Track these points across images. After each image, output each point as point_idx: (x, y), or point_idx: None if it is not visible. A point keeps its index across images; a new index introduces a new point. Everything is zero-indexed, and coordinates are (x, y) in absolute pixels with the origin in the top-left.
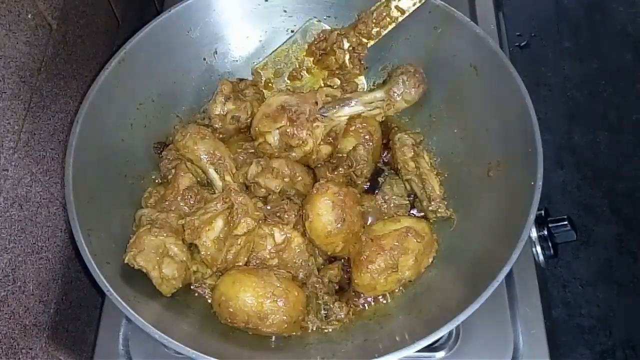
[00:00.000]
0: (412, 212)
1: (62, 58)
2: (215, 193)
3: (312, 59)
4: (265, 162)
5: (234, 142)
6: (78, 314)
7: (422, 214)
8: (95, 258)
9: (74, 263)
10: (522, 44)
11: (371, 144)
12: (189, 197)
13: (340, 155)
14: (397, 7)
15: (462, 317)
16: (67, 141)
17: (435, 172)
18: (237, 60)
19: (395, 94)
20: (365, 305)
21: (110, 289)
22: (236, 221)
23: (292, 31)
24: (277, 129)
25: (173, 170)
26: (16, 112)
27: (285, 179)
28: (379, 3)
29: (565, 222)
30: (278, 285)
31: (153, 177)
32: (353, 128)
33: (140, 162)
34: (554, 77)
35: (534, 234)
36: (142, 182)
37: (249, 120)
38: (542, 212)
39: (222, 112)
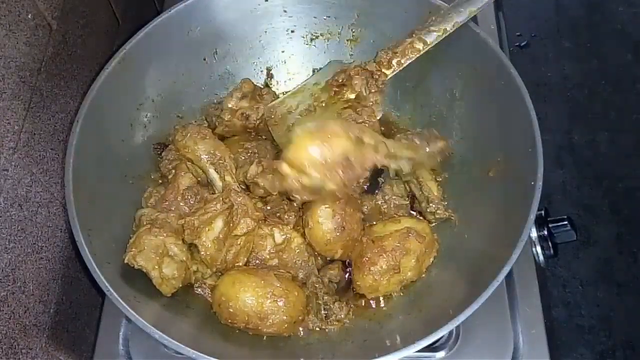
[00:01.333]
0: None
1: (62, 58)
2: (215, 193)
3: (327, 93)
4: (266, 163)
5: (234, 141)
6: (78, 314)
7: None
8: (95, 258)
9: (74, 263)
10: (522, 44)
11: None
12: (189, 197)
13: None
14: (420, 39)
15: (462, 317)
16: (67, 141)
17: (432, 174)
18: (237, 61)
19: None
20: (366, 305)
21: (110, 289)
22: (236, 221)
23: (292, 31)
24: (320, 177)
25: (173, 171)
26: (16, 112)
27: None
28: (405, 42)
29: (565, 222)
30: (278, 285)
31: (153, 177)
32: None
33: (140, 162)
34: (554, 77)
35: (534, 234)
36: (142, 182)
37: (257, 122)
38: (542, 212)
39: (234, 107)
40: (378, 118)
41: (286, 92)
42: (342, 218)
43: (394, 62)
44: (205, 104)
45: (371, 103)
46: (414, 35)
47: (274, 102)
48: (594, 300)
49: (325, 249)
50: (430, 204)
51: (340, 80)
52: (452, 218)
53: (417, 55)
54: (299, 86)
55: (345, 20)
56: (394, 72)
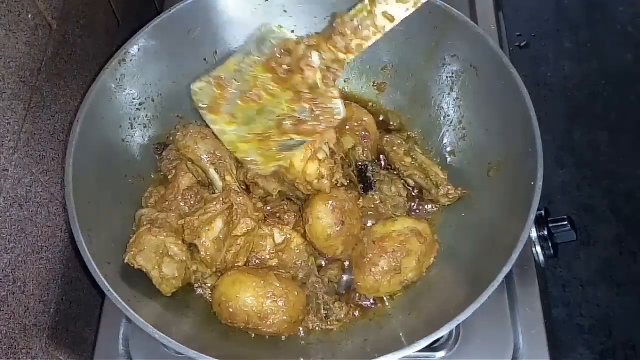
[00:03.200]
0: (413, 212)
1: (62, 58)
2: (215, 193)
3: (271, 76)
4: None
5: None
6: (78, 314)
7: (427, 210)
8: (95, 258)
9: (74, 263)
10: (522, 44)
11: (368, 141)
12: (189, 197)
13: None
14: (384, 14)
15: (462, 317)
16: (67, 141)
17: (432, 159)
18: None
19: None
20: (366, 305)
21: (111, 289)
22: (236, 222)
23: (292, 31)
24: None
25: (174, 171)
26: (16, 112)
27: (285, 182)
28: (359, 7)
29: (565, 222)
30: (278, 285)
31: (153, 177)
32: (349, 127)
33: (140, 162)
34: (554, 77)
35: (534, 234)
36: (142, 182)
37: None
38: (542, 212)
39: None
40: (341, 118)
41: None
42: (342, 213)
43: (354, 44)
44: None
45: (330, 95)
46: (374, 8)
47: (195, 85)
48: (594, 300)
49: (325, 245)
50: (440, 188)
51: (285, 64)
52: (465, 192)
53: (381, 35)
54: (226, 62)
55: None
56: (354, 57)
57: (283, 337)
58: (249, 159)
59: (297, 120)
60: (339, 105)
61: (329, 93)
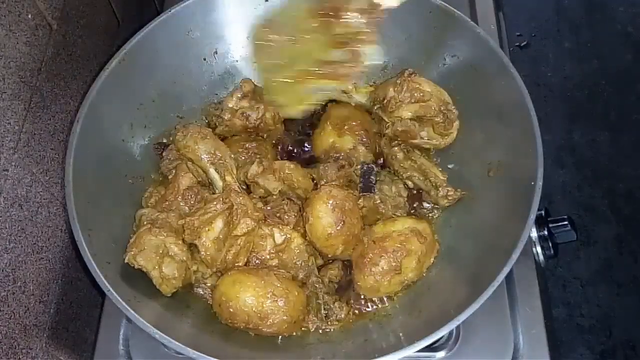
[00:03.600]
0: (413, 212)
1: (62, 58)
2: (215, 193)
3: (312, 20)
4: (267, 163)
5: (235, 141)
6: (78, 314)
7: (431, 206)
8: (95, 258)
9: (74, 263)
10: (522, 44)
11: (367, 139)
12: (190, 197)
13: (339, 155)
14: None
15: (462, 317)
16: (67, 141)
17: (431, 160)
18: (237, 61)
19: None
20: (366, 305)
21: (111, 289)
22: (236, 221)
23: None
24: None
25: (174, 171)
26: (16, 112)
27: (285, 181)
28: None
29: (566, 222)
30: (278, 285)
31: (153, 177)
32: (347, 127)
33: (140, 162)
34: (554, 77)
35: (534, 234)
36: (142, 182)
37: (257, 121)
38: (542, 212)
39: (234, 107)
40: (365, 64)
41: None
42: (342, 212)
43: None
44: (206, 104)
45: (364, 38)
46: None
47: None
48: (594, 300)
49: (326, 244)
50: (440, 189)
51: (325, 10)
52: (465, 194)
53: None
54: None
55: None
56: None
57: (283, 337)
58: (279, 100)
59: (334, 63)
60: (376, 51)
61: (367, 38)
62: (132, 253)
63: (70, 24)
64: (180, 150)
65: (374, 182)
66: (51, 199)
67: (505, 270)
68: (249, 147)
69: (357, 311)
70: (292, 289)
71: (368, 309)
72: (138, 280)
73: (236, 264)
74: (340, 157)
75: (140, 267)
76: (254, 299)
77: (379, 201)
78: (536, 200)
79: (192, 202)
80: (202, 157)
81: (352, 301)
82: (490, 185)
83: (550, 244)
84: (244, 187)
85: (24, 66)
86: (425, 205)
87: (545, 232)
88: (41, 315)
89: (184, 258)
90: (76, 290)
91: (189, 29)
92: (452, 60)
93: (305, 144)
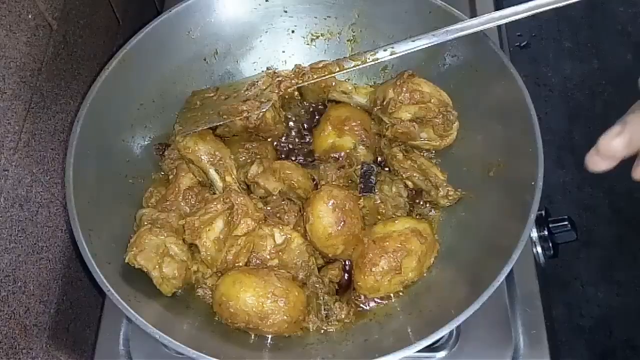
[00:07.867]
0: (413, 212)
1: (62, 58)
2: (216, 193)
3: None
4: (267, 163)
5: (235, 141)
6: (78, 314)
7: (431, 206)
8: (95, 258)
9: (75, 263)
10: (522, 44)
11: (367, 140)
12: (190, 197)
13: (339, 155)
14: (338, 64)
15: (462, 317)
16: (67, 141)
17: (430, 160)
18: (237, 61)
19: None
20: (366, 305)
21: (111, 289)
22: (236, 222)
23: (292, 31)
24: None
25: (175, 170)
26: (16, 113)
27: (285, 181)
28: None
29: (566, 222)
30: (278, 285)
31: (153, 177)
32: (347, 127)
33: (140, 162)
34: (554, 77)
35: (534, 234)
36: (142, 182)
37: (257, 122)
38: (542, 212)
39: None
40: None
41: None
42: (343, 212)
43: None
44: None
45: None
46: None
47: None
48: (594, 300)
49: (326, 244)
50: (440, 189)
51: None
52: (465, 194)
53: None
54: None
55: (346, 20)
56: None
57: (283, 337)
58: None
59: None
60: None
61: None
62: (133, 253)
63: (70, 24)
64: (180, 151)
65: (374, 183)
66: (51, 199)
67: (506, 270)
68: (249, 147)
69: (357, 311)
70: (293, 289)
71: (368, 309)
72: (138, 280)
73: (236, 264)
74: (340, 157)
75: (140, 267)
76: (254, 299)
77: (379, 201)
78: (536, 200)
79: (192, 202)
80: (202, 158)
81: (352, 301)
82: (490, 185)
83: (551, 244)
84: (244, 187)
85: (24, 66)
86: (426, 205)
87: (546, 232)
88: (41, 315)
89: (184, 258)
90: (76, 290)
91: (189, 29)
92: (452, 61)
93: (306, 144)
